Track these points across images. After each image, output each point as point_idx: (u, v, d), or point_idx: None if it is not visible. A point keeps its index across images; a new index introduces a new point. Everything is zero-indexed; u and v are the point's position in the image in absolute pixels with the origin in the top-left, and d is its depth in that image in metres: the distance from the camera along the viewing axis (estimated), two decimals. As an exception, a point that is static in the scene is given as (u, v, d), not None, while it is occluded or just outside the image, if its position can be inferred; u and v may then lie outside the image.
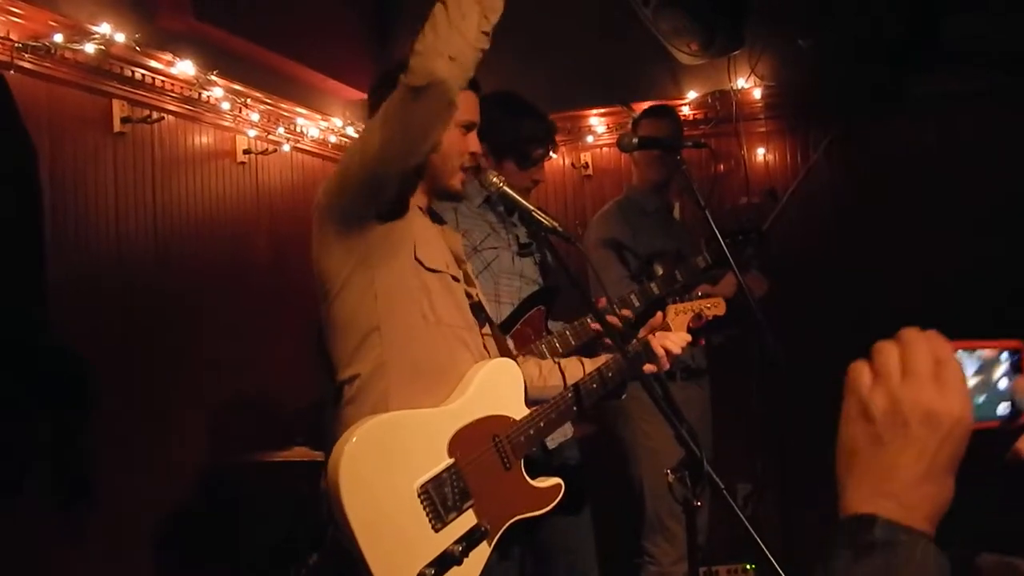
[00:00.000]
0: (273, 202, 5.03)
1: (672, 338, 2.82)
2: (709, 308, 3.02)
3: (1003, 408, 1.00)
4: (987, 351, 1.00)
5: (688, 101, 5.41)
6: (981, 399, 0.98)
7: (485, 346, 2.68)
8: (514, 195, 2.65)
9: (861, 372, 0.96)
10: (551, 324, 3.41)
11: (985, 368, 1.00)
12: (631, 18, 4.66)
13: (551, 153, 3.59)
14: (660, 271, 3.76)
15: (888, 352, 0.96)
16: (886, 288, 4.85)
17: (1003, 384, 1.00)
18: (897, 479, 0.91)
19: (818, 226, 5.10)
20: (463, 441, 2.41)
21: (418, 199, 2.64)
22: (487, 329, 2.73)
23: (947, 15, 4.47)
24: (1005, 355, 1.00)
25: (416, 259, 2.48)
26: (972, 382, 0.98)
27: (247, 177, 4.89)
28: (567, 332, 3.25)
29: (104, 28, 3.76)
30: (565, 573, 3.44)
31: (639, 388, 3.67)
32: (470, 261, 3.32)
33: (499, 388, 2.57)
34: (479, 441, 2.45)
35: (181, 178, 4.39)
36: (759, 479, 4.62)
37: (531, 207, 2.60)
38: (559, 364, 2.87)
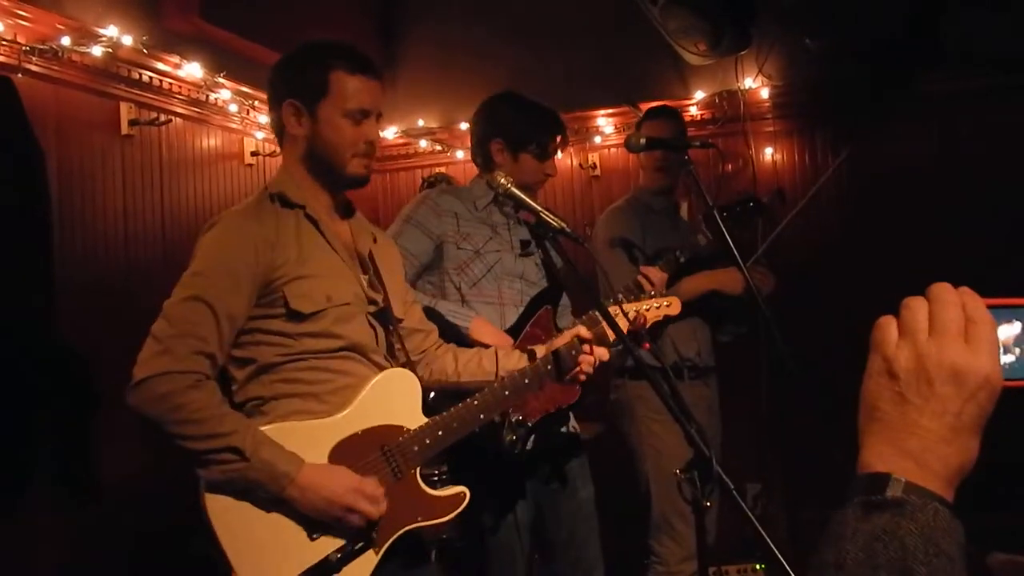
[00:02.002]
0: (281, 204, 5.04)
1: (598, 351, 2.77)
2: (658, 308, 2.96)
3: None
4: (1021, 309, 0.97)
5: (696, 101, 5.40)
6: (1015, 357, 0.96)
7: (389, 353, 2.63)
8: (522, 195, 2.64)
9: (888, 327, 0.94)
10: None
11: (1022, 326, 0.97)
12: (639, 18, 4.66)
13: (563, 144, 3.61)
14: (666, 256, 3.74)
15: (917, 308, 0.94)
16: (891, 288, 4.84)
17: None
18: (917, 439, 0.89)
19: (822, 226, 5.08)
20: (347, 451, 2.39)
21: (315, 200, 2.57)
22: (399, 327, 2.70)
23: (950, 15, 4.46)
24: None
25: (289, 312, 2.41)
26: (1006, 339, 0.95)
27: (255, 179, 4.90)
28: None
29: (111, 31, 3.77)
30: (570, 570, 3.44)
31: (646, 387, 3.67)
32: (472, 264, 3.32)
33: (391, 398, 2.52)
34: (365, 451, 2.42)
35: (189, 180, 4.40)
36: (768, 479, 4.61)
37: (539, 208, 2.60)
38: (482, 356, 2.83)
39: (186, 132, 4.39)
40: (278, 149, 4.87)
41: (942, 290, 0.94)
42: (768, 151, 5.35)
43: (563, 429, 3.44)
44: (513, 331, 3.28)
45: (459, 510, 2.56)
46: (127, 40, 3.83)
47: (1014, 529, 3.22)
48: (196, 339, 2.29)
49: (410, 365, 2.66)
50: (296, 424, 2.36)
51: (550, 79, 5.18)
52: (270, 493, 2.25)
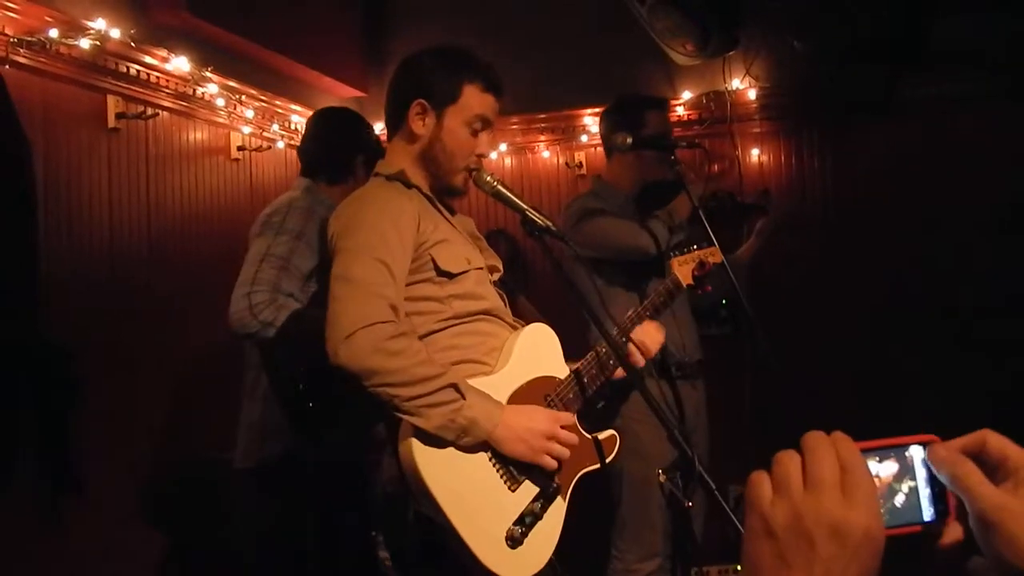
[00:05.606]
0: (267, 199, 4.99)
1: (650, 333, 2.92)
2: (709, 256, 3.15)
3: (927, 510, 0.89)
4: (898, 448, 0.90)
5: (683, 101, 5.40)
6: (899, 502, 0.89)
7: (516, 315, 2.76)
8: (509, 194, 2.66)
9: (761, 484, 0.87)
10: None
11: (900, 467, 0.89)
12: (626, 17, 4.66)
13: None
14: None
15: (788, 461, 0.87)
16: (878, 289, 4.87)
17: (922, 483, 0.89)
18: None
19: (809, 227, 5.10)
20: (520, 401, 2.49)
21: (425, 188, 2.69)
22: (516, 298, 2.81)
23: (938, 18, 4.48)
24: (918, 449, 0.90)
25: (440, 273, 2.54)
26: (886, 484, 0.89)
27: (241, 174, 4.89)
28: None
29: (99, 24, 3.76)
30: None
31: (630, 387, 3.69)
32: None
33: (538, 351, 2.65)
34: (533, 402, 2.52)
35: (175, 174, 4.39)
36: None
37: (525, 206, 2.62)
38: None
39: (173, 126, 4.38)
40: (264, 144, 4.91)
41: (814, 440, 0.87)
42: (755, 152, 5.37)
43: None
44: None
45: (615, 451, 2.72)
46: (115, 33, 3.82)
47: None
48: (383, 292, 2.36)
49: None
50: (471, 382, 2.44)
51: (537, 77, 5.19)
52: (482, 432, 2.32)
